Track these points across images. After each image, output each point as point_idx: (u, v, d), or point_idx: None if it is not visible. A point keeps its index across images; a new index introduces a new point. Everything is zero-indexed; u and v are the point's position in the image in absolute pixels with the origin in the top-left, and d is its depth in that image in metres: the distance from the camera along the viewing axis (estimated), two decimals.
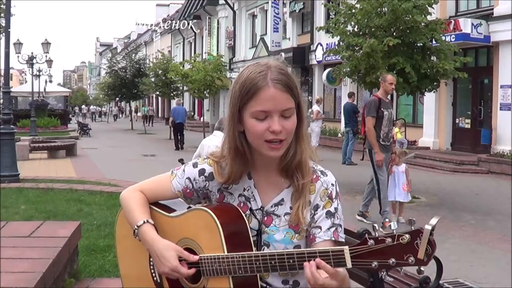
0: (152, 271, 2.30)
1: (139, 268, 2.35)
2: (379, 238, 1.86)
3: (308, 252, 1.97)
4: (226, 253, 2.07)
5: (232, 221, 2.14)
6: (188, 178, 2.29)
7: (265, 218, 2.20)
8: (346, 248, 1.90)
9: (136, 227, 2.22)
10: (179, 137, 26.75)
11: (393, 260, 1.85)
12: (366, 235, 1.90)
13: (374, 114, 9.55)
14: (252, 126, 2.08)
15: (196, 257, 2.13)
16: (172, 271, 2.11)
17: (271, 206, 2.21)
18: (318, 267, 1.91)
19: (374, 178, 9.60)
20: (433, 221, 1.82)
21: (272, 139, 2.07)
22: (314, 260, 1.93)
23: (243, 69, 2.17)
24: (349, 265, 1.89)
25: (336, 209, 2.19)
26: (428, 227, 1.80)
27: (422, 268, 1.88)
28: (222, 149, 2.24)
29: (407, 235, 1.83)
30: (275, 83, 2.06)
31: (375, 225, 1.90)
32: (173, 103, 46.86)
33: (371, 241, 1.87)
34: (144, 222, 2.22)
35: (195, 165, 2.31)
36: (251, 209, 2.21)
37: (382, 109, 9.57)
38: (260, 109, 2.06)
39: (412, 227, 1.85)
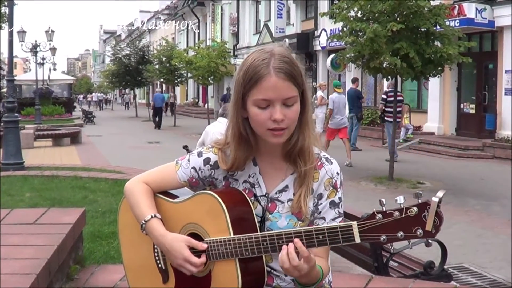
0: (157, 258, 2.29)
1: (143, 256, 2.34)
2: (387, 212, 1.88)
3: (316, 229, 1.98)
4: (232, 235, 2.07)
5: (237, 205, 2.15)
6: (194, 168, 2.28)
7: (269, 205, 2.20)
8: (354, 223, 1.92)
9: (143, 222, 2.21)
10: (157, 118, 32.84)
11: (402, 233, 1.87)
12: (374, 209, 1.91)
13: None
14: (255, 114, 2.08)
15: (204, 246, 2.11)
16: (185, 262, 2.10)
17: (276, 193, 2.21)
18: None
19: None
20: (440, 193, 1.84)
21: (274, 127, 2.06)
22: (321, 237, 1.95)
23: (248, 56, 2.15)
24: (357, 240, 1.91)
25: (340, 199, 2.19)
26: (435, 199, 1.82)
27: (430, 241, 1.92)
28: (226, 136, 2.23)
29: (415, 208, 1.86)
30: (277, 71, 2.04)
31: (382, 199, 1.91)
32: (177, 90, 46.87)
33: (379, 215, 1.89)
34: (151, 217, 2.20)
35: (200, 154, 2.29)
36: (255, 195, 2.21)
37: None
38: (262, 97, 2.05)
39: (419, 200, 1.86)
